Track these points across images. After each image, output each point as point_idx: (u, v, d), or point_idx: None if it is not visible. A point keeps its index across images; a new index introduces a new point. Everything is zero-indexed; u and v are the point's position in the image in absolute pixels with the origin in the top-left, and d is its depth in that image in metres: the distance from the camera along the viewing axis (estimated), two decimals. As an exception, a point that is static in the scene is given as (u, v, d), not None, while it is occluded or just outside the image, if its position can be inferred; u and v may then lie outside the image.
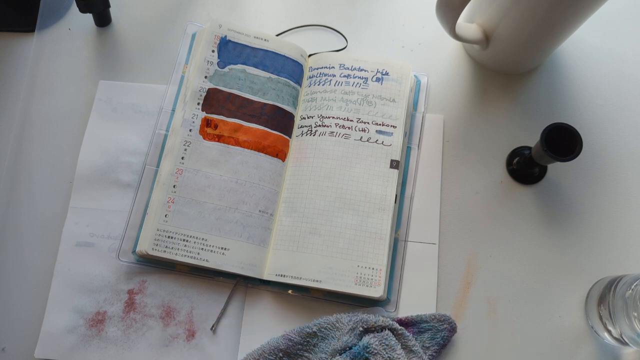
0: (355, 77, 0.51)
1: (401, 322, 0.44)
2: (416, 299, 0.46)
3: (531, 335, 0.46)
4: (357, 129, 0.49)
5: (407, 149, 0.50)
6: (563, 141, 0.43)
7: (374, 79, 0.50)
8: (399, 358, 0.41)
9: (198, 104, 0.49)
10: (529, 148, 0.49)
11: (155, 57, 0.54)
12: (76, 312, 0.46)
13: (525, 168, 0.49)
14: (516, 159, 0.49)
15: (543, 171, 0.49)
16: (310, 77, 0.52)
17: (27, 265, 0.47)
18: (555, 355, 0.45)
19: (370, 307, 0.46)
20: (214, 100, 0.49)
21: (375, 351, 0.41)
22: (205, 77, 0.49)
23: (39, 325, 0.45)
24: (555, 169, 0.50)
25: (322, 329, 0.43)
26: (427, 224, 0.48)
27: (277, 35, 0.54)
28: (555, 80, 0.53)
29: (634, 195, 0.49)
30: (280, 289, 0.46)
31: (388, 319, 0.43)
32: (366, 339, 0.42)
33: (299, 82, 0.52)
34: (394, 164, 0.48)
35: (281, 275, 0.46)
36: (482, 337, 0.46)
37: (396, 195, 0.47)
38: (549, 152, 0.43)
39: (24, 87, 0.53)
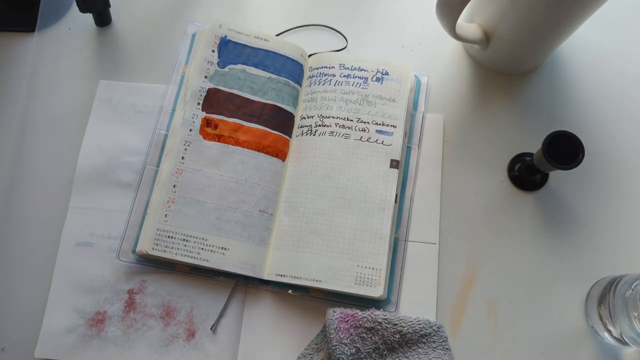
0: (355, 76, 0.51)
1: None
2: (416, 299, 0.46)
3: (531, 335, 0.46)
4: (357, 128, 0.49)
5: (407, 149, 0.50)
6: (565, 148, 0.43)
7: (374, 78, 0.50)
8: None
9: (198, 103, 0.49)
10: (531, 154, 0.49)
11: (155, 57, 0.54)
12: (76, 312, 0.46)
13: (527, 175, 0.49)
14: (517, 166, 0.49)
15: (545, 178, 0.49)
16: (310, 77, 0.52)
17: (27, 265, 0.47)
18: (555, 355, 0.45)
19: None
20: (214, 100, 0.49)
21: None
22: (206, 77, 0.49)
23: (39, 325, 0.45)
24: (557, 172, 0.50)
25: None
26: (427, 224, 0.48)
27: (277, 35, 0.54)
28: (555, 80, 0.53)
29: (633, 195, 0.49)
30: (280, 289, 0.46)
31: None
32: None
33: (299, 82, 0.52)
34: (394, 164, 0.48)
35: (281, 275, 0.46)
36: (482, 337, 0.46)
37: (396, 195, 0.47)
38: (551, 161, 0.43)
39: (24, 87, 0.53)
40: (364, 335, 0.42)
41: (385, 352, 0.42)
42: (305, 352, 0.44)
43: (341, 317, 0.42)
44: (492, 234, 0.48)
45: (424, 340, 0.43)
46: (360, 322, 0.42)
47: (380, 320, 0.42)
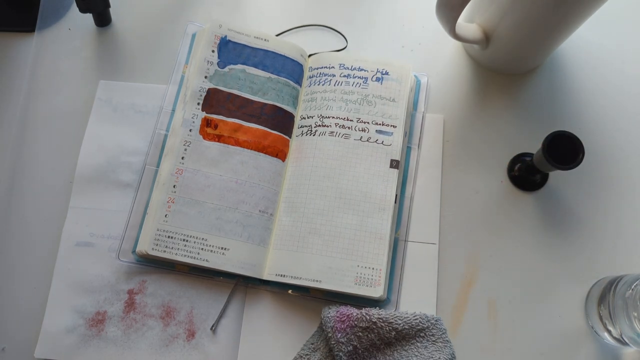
0: (355, 77, 0.51)
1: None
2: (416, 299, 0.46)
3: (531, 335, 0.46)
4: (357, 128, 0.49)
5: (407, 149, 0.50)
6: (565, 148, 0.43)
7: (374, 78, 0.50)
8: None
9: (198, 104, 0.49)
10: (531, 155, 0.49)
11: (155, 57, 0.54)
12: (76, 312, 0.46)
13: (527, 175, 0.49)
14: (517, 165, 0.49)
15: (545, 178, 0.49)
16: (310, 77, 0.52)
17: (27, 265, 0.47)
18: (555, 355, 0.45)
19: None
20: (214, 100, 0.49)
21: None
22: (205, 77, 0.49)
23: (39, 325, 0.45)
24: (557, 172, 0.50)
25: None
26: (427, 224, 0.48)
27: (277, 35, 0.54)
28: (555, 80, 0.53)
29: (633, 195, 0.49)
30: (280, 289, 0.46)
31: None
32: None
33: (299, 82, 0.52)
34: (394, 164, 0.48)
35: (281, 275, 0.46)
36: (482, 337, 0.46)
37: (396, 195, 0.47)
38: (551, 161, 0.43)
39: (24, 87, 0.53)
40: (360, 334, 0.42)
41: (382, 346, 0.43)
42: (302, 352, 0.44)
43: (337, 317, 0.42)
44: (492, 234, 0.48)
45: (421, 334, 0.43)
46: (356, 322, 0.42)
47: (375, 320, 0.42)
